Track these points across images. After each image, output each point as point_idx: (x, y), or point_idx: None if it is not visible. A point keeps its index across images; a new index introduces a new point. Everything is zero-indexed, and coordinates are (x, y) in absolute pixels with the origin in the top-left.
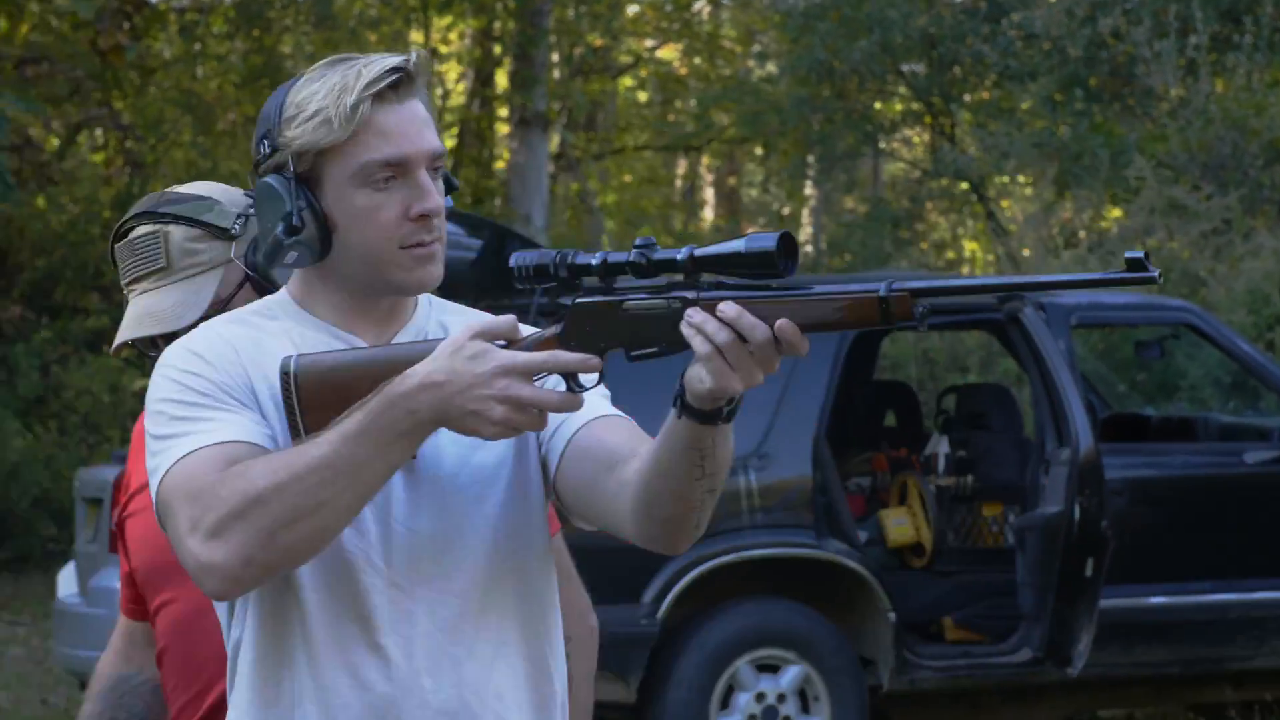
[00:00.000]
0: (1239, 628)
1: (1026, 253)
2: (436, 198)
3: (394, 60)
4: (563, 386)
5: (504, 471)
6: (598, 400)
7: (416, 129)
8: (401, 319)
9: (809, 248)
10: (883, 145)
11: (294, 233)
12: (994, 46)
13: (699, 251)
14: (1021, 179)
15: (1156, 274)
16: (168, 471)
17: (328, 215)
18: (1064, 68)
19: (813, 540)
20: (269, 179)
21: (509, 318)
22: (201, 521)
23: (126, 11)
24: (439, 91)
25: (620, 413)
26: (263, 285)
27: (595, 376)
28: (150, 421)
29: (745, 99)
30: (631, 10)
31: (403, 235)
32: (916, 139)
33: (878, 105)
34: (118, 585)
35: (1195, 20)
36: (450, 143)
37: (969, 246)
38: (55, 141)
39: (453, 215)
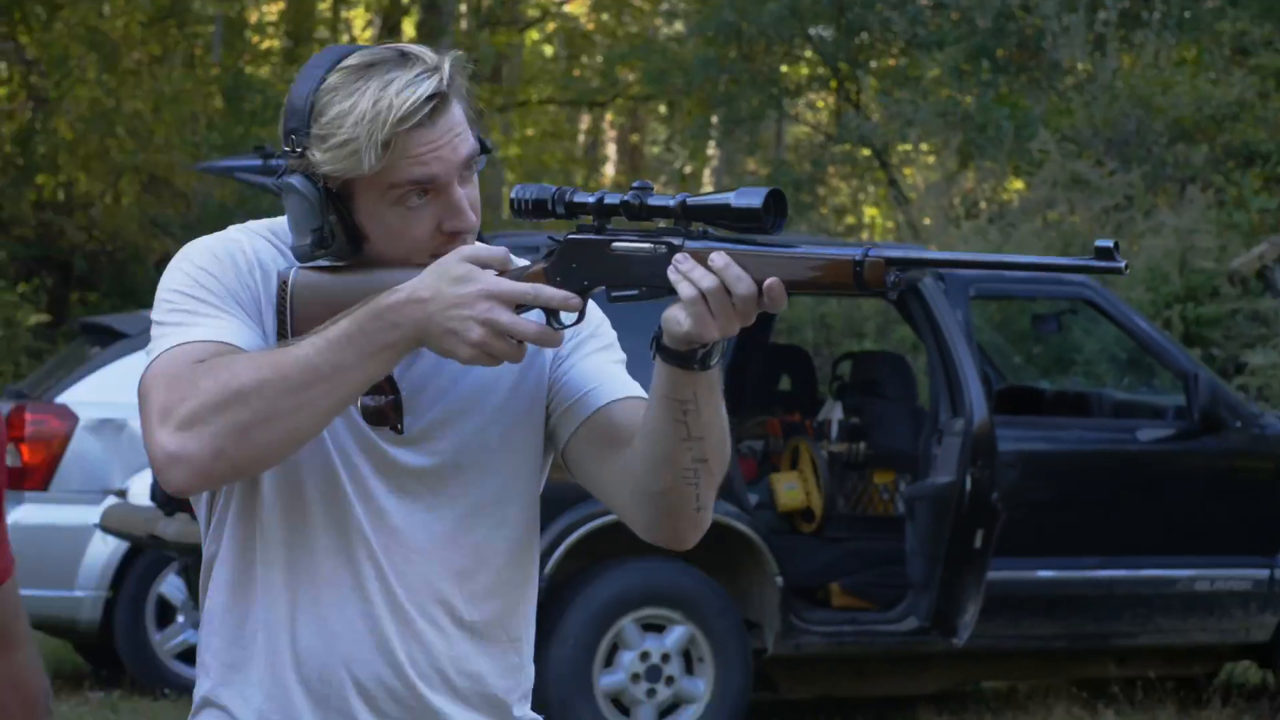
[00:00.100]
0: (1125, 605)
1: (927, 221)
2: (469, 215)
3: (429, 86)
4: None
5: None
6: (619, 380)
7: (448, 143)
8: None
9: None
10: (787, 108)
11: (324, 245)
12: (903, 14)
13: (691, 200)
14: (925, 147)
15: (1123, 265)
16: (156, 358)
17: (359, 228)
18: (972, 38)
19: None
20: (297, 181)
21: (502, 249)
22: (176, 410)
23: None
24: (345, 38)
25: (640, 392)
26: None
27: (574, 315)
28: (155, 308)
29: (652, 57)
30: None
31: (434, 247)
32: (821, 104)
33: (784, 68)
34: None
35: None
36: None
37: (869, 213)
38: None
39: None
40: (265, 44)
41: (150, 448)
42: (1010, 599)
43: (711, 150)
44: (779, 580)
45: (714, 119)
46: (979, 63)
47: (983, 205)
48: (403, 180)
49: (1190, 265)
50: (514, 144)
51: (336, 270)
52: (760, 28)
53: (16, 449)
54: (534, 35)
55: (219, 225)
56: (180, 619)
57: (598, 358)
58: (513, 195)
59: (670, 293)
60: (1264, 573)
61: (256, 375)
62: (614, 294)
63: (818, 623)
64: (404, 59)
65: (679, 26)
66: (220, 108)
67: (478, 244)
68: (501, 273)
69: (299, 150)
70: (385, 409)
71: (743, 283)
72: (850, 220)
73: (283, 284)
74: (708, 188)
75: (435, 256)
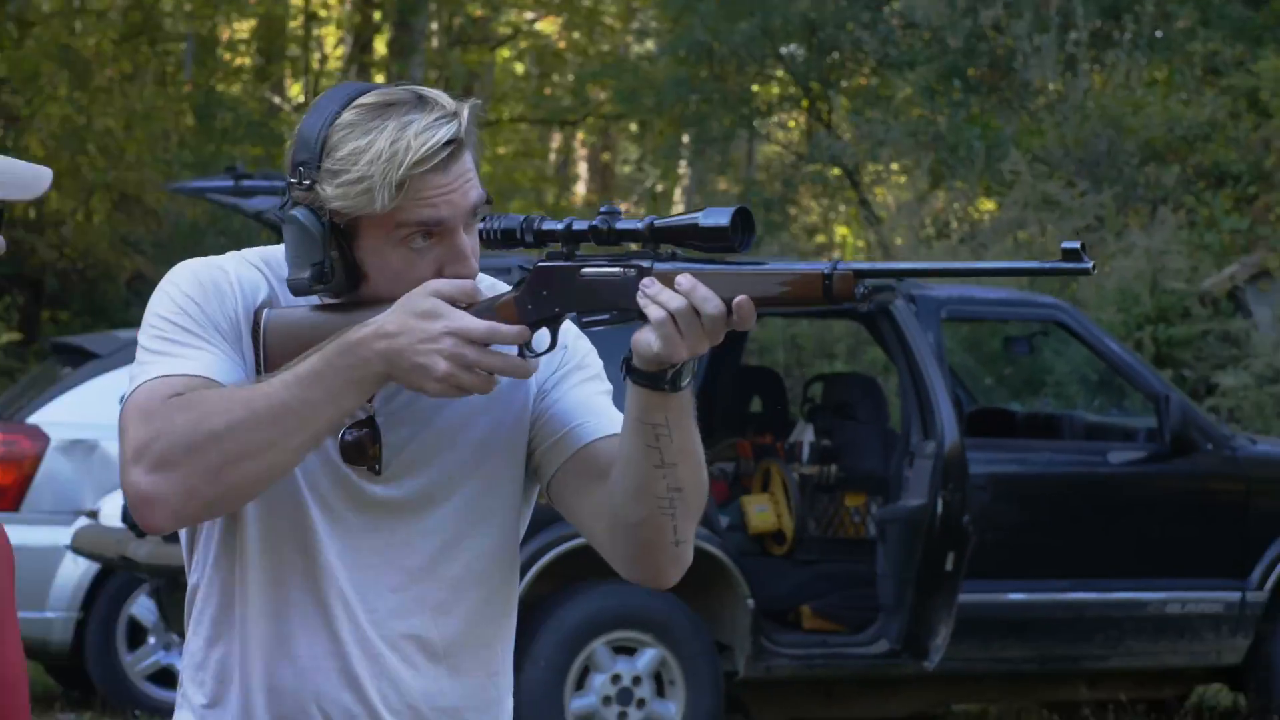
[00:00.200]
0: (1096, 627)
1: (899, 241)
2: (471, 263)
3: (447, 131)
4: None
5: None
6: (606, 414)
7: (459, 188)
8: None
9: None
10: (759, 128)
11: (323, 280)
12: (874, 34)
13: (659, 222)
14: (896, 167)
15: (1090, 265)
16: (135, 389)
17: (359, 266)
18: (943, 58)
19: None
20: (301, 214)
21: (468, 282)
22: (149, 449)
23: None
24: (316, 56)
25: None
26: None
27: (546, 342)
28: (141, 330)
29: (623, 76)
30: None
31: None
32: (792, 123)
33: (755, 88)
34: None
35: (1076, 16)
36: None
37: (840, 232)
38: None
39: None
40: (237, 62)
41: (125, 486)
42: (981, 621)
43: (683, 169)
44: (750, 603)
45: (685, 138)
46: (950, 83)
47: (954, 225)
48: (411, 221)
49: (1161, 286)
50: (485, 162)
51: (314, 308)
52: (732, 47)
53: None
54: (505, 53)
55: (190, 244)
56: (151, 640)
57: (583, 390)
58: (481, 227)
59: (641, 316)
60: (1235, 595)
61: (228, 414)
62: (585, 319)
63: (789, 645)
64: (422, 101)
65: (650, 45)
66: (192, 125)
67: (443, 279)
68: (471, 305)
69: (306, 183)
70: (364, 441)
71: (710, 302)
72: (821, 239)
73: (255, 325)
74: (679, 207)
75: None
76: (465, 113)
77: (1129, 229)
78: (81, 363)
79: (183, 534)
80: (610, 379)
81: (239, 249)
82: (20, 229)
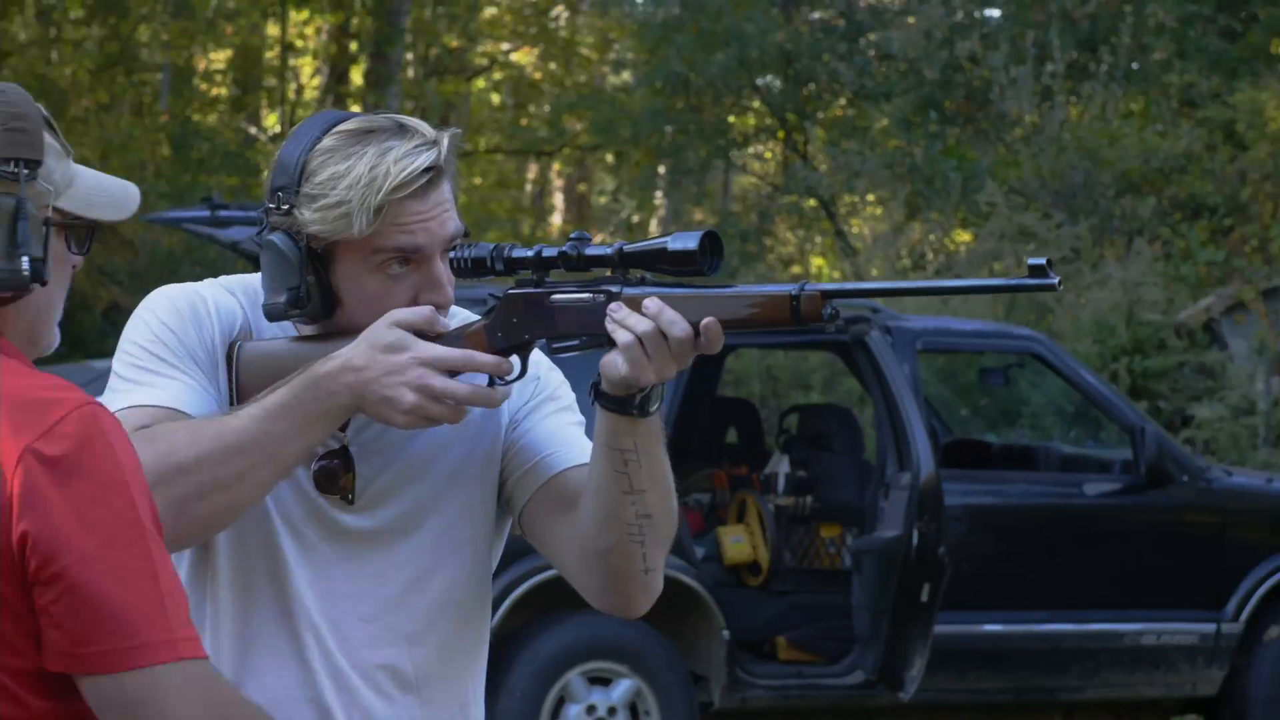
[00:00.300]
0: (1072, 658)
1: (875, 273)
2: (447, 290)
3: (426, 159)
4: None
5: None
6: (577, 444)
7: (437, 217)
8: None
9: None
10: (734, 159)
11: (299, 305)
12: (850, 65)
13: (627, 247)
14: (871, 198)
15: (1057, 280)
16: None
17: (335, 291)
18: (919, 89)
19: None
20: (278, 239)
21: (427, 309)
22: None
23: None
24: (292, 86)
25: None
26: None
27: (515, 372)
28: (116, 356)
29: (599, 107)
30: (489, 13)
31: None
32: (769, 154)
33: (731, 119)
34: None
35: (1053, 48)
36: None
37: (816, 263)
38: None
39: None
40: (213, 92)
41: None
42: (957, 652)
43: (659, 200)
44: (725, 633)
45: (661, 169)
46: (926, 114)
47: (930, 257)
48: (388, 247)
49: (1137, 318)
50: (461, 193)
51: (288, 340)
52: (708, 78)
53: None
54: (481, 84)
55: (166, 274)
56: None
57: (554, 420)
58: (451, 255)
59: (611, 341)
60: (1210, 627)
61: (196, 447)
62: (555, 345)
63: (764, 676)
64: (402, 129)
65: (626, 76)
66: (168, 155)
67: (404, 308)
68: (439, 336)
69: (285, 208)
70: (336, 471)
71: (677, 325)
72: (797, 270)
73: (228, 358)
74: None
75: None
76: (445, 141)
77: (1105, 260)
78: None
79: None
80: (580, 406)
81: (214, 277)
82: None
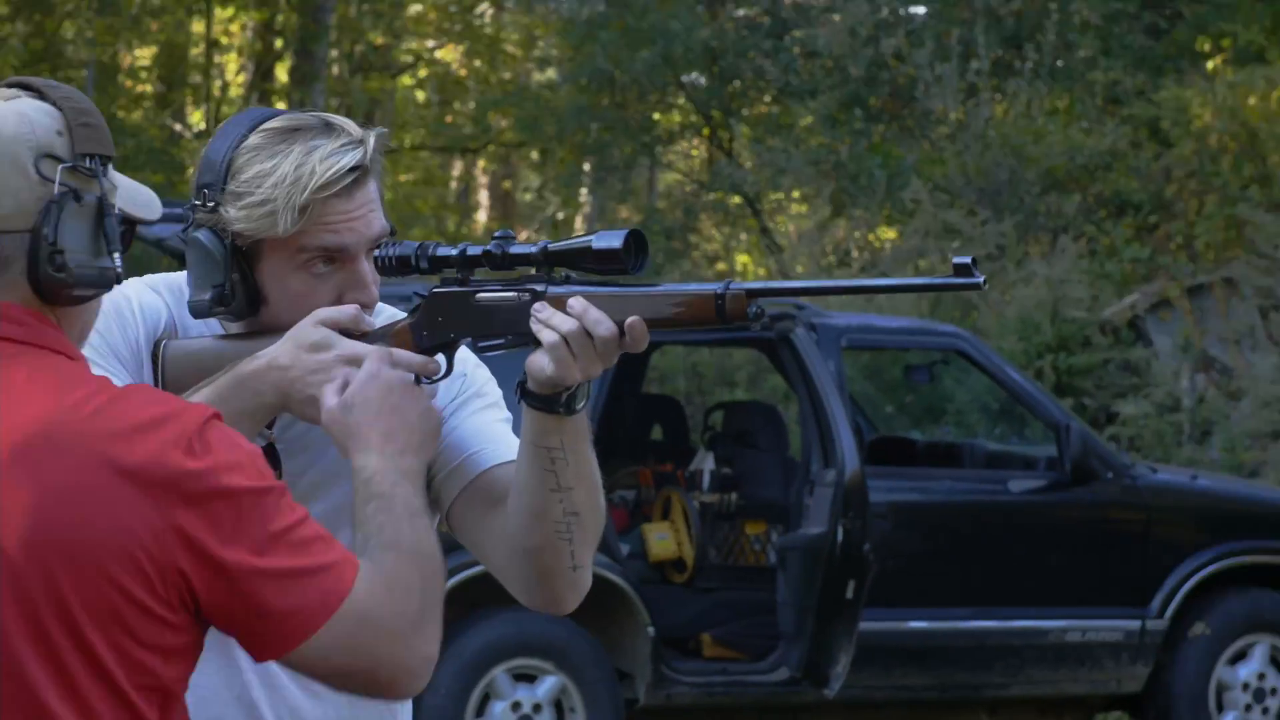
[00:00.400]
0: (997, 655)
1: (800, 269)
2: (372, 290)
3: (352, 158)
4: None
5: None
6: (504, 441)
7: (363, 217)
8: None
9: None
10: (659, 156)
11: (223, 302)
12: (775, 62)
13: (552, 246)
14: (796, 195)
15: (982, 280)
16: None
17: (260, 289)
18: (845, 87)
19: None
20: (204, 236)
21: (352, 308)
22: None
23: None
24: (218, 84)
25: None
26: None
27: (441, 371)
28: None
29: (524, 104)
30: (414, 10)
31: None
32: (694, 151)
33: (657, 116)
34: None
35: (978, 45)
36: None
37: (741, 260)
38: None
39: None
40: (138, 89)
41: None
42: (882, 649)
43: (584, 197)
44: (650, 630)
45: (586, 166)
46: (851, 111)
47: (855, 254)
48: (313, 246)
49: (1062, 315)
50: (387, 190)
51: (215, 338)
52: (633, 75)
53: None
54: (407, 81)
55: None
56: None
57: (481, 417)
58: (376, 254)
59: (536, 340)
60: (1135, 624)
61: None
62: (481, 344)
63: (689, 673)
64: (329, 128)
65: (551, 74)
66: None
67: (329, 308)
68: (364, 334)
69: (210, 205)
70: None
71: (602, 325)
72: (722, 267)
73: (154, 357)
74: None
75: None
76: (371, 140)
77: (1030, 258)
78: None
79: None
80: (507, 403)
81: (140, 276)
82: None
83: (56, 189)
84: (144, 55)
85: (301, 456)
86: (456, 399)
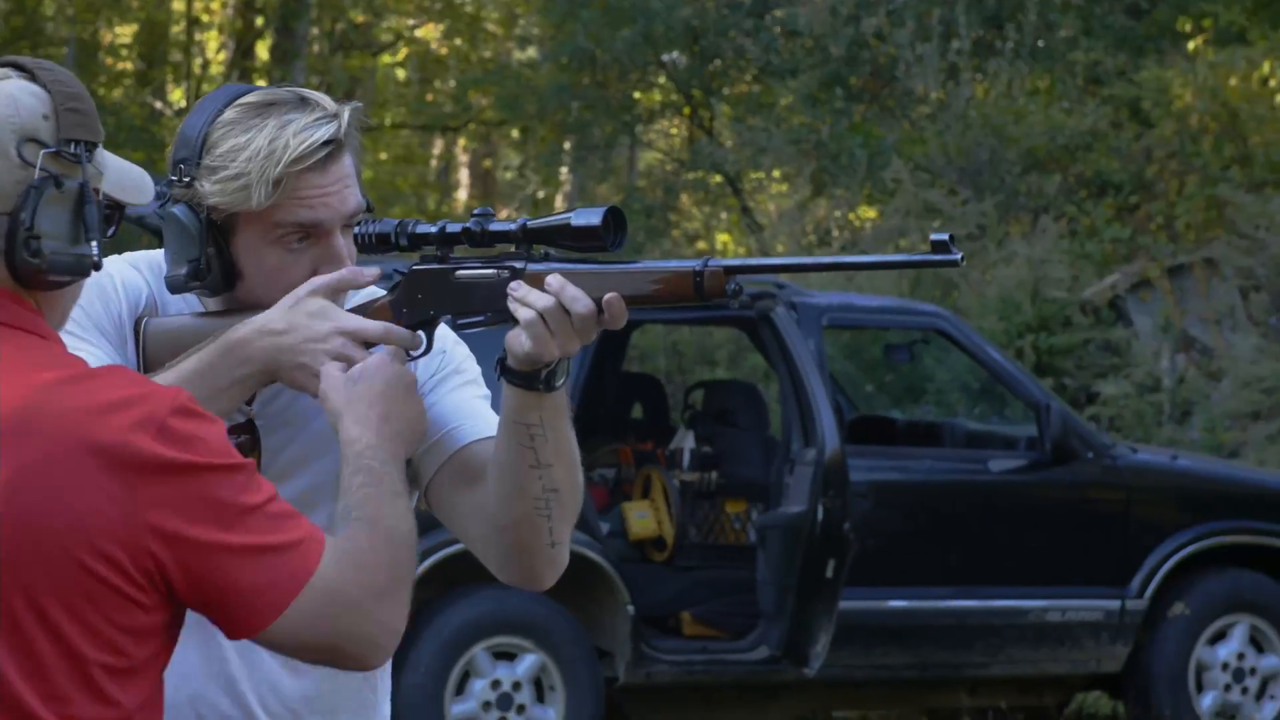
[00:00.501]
0: (977, 634)
1: (781, 249)
2: (347, 265)
3: (326, 131)
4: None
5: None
6: (483, 417)
7: (338, 192)
8: None
9: None
10: (640, 135)
11: (199, 277)
12: (756, 41)
13: (531, 223)
14: (777, 174)
15: (959, 256)
16: None
17: (235, 264)
18: (825, 66)
19: None
20: (180, 211)
21: (344, 270)
22: None
23: None
24: (198, 61)
25: None
26: None
27: (422, 345)
28: None
29: (505, 83)
30: None
31: None
32: (675, 130)
33: (637, 95)
34: None
35: (958, 25)
36: None
37: (721, 239)
38: None
39: None
40: (119, 66)
41: None
42: (862, 628)
43: (564, 176)
44: (630, 609)
45: (567, 145)
46: (832, 91)
47: (835, 233)
48: (288, 221)
49: (1042, 295)
50: (366, 168)
51: (194, 315)
52: (614, 54)
53: None
54: (387, 59)
55: None
56: None
57: (460, 394)
58: (356, 231)
59: (514, 318)
60: (1115, 604)
61: None
62: (460, 322)
63: (669, 651)
64: (304, 103)
65: (532, 52)
66: None
67: (324, 276)
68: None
69: (186, 180)
70: (244, 446)
71: (579, 301)
72: (703, 246)
73: (135, 334)
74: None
75: None
76: (346, 115)
77: (1010, 238)
78: None
79: None
80: (487, 381)
81: (119, 253)
82: None
83: (37, 174)
84: (124, 32)
85: (281, 432)
86: (435, 375)
